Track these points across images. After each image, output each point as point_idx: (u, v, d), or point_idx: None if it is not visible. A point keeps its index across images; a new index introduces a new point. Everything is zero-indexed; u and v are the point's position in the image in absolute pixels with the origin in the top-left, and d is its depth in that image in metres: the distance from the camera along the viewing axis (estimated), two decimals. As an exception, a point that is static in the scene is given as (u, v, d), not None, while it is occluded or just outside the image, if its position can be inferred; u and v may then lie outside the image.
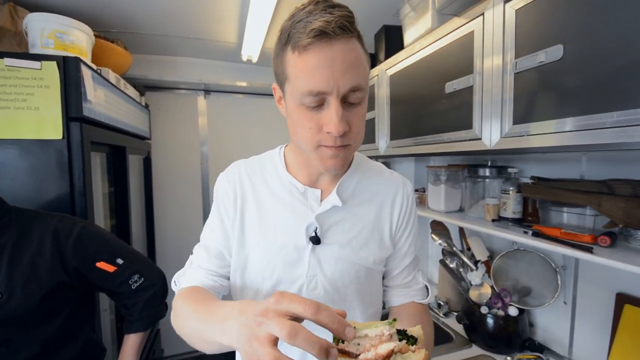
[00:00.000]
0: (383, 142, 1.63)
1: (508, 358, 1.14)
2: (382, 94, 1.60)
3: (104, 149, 1.46)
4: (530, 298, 1.23)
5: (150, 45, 2.04)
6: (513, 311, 1.22)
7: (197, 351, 0.57)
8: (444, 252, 1.55)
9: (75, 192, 1.09)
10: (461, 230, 1.55)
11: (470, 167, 1.36)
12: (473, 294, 1.34)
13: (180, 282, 0.70)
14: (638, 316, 0.94)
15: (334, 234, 0.67)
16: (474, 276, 1.36)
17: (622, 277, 1.00)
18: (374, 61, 1.73)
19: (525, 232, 0.99)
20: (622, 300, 0.99)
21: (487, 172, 1.28)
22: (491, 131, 0.97)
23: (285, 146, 0.75)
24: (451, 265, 1.48)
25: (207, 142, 2.45)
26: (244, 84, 2.31)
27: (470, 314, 1.32)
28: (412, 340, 0.42)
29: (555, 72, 0.78)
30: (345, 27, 0.51)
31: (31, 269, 0.83)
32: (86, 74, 1.11)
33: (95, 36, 1.41)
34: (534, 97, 0.84)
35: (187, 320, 0.57)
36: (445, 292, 1.64)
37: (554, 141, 0.78)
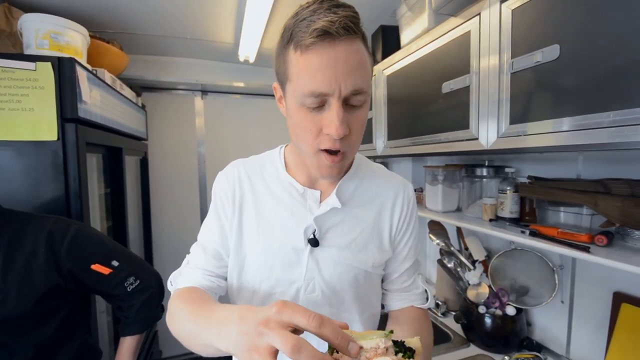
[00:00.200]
0: (380, 142, 1.63)
1: (506, 357, 1.14)
2: (379, 94, 1.59)
3: (100, 150, 1.45)
4: (528, 297, 1.23)
5: (146, 45, 2.03)
6: (511, 310, 1.22)
7: (195, 353, 0.56)
8: (441, 252, 1.55)
9: (70, 193, 1.08)
10: (459, 230, 1.55)
11: (468, 167, 1.36)
12: (471, 294, 1.34)
13: (176, 282, 0.69)
14: (635, 315, 0.94)
15: (332, 236, 0.66)
16: (472, 276, 1.36)
17: (619, 276, 1.01)
18: (371, 61, 1.73)
19: (523, 232, 0.99)
20: (619, 299, 0.99)
21: (485, 172, 1.28)
22: (488, 131, 0.97)
23: (286, 146, 0.74)
24: (449, 265, 1.48)
25: (204, 142, 2.44)
26: (241, 84, 2.30)
27: (468, 313, 1.32)
28: (409, 353, 0.41)
29: (551, 72, 0.78)
30: (349, 27, 0.50)
31: (25, 271, 0.82)
32: (81, 74, 1.11)
33: (91, 37, 1.40)
34: (531, 97, 0.84)
35: (183, 322, 0.56)
36: (443, 292, 1.64)
37: (551, 141, 0.78)
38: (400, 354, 0.40)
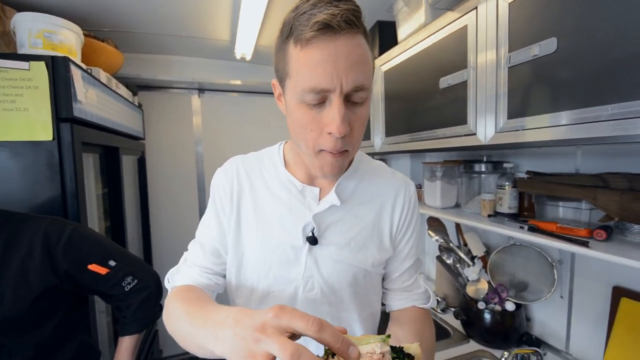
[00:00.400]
0: (378, 139, 1.63)
1: (505, 353, 1.14)
2: (377, 90, 1.59)
3: (96, 149, 1.44)
4: (527, 293, 1.23)
5: (142, 44, 2.02)
6: (510, 306, 1.22)
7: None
8: (440, 248, 1.55)
9: (67, 194, 1.08)
10: (457, 226, 1.54)
11: (466, 162, 1.36)
12: (470, 290, 1.34)
13: (173, 279, 0.68)
14: (634, 309, 0.94)
15: (331, 235, 0.65)
16: (471, 272, 1.36)
17: (618, 271, 1.01)
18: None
19: (521, 227, 0.99)
20: (619, 293, 0.99)
21: (483, 167, 1.28)
22: (486, 126, 0.96)
23: (285, 143, 0.73)
24: (448, 261, 1.48)
25: (201, 141, 2.43)
26: (238, 82, 2.29)
27: (467, 309, 1.32)
28: (407, 359, 0.40)
29: (549, 66, 0.77)
30: (351, 21, 0.49)
31: (21, 272, 0.82)
32: (76, 73, 1.10)
33: (85, 35, 1.39)
34: (529, 91, 0.83)
35: (179, 323, 0.55)
36: (443, 288, 1.64)
37: (549, 135, 0.78)
38: None
